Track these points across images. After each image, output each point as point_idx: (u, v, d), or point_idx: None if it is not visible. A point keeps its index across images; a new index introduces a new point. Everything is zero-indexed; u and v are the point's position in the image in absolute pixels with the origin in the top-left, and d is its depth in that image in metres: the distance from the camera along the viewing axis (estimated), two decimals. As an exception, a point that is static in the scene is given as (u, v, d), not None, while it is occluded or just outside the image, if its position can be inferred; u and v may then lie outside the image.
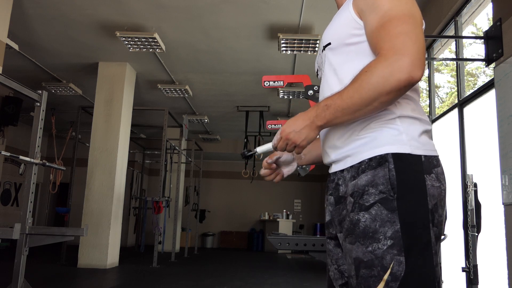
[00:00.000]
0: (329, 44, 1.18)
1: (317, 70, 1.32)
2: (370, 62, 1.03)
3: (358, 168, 1.07)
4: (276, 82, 3.79)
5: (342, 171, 1.14)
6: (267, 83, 3.77)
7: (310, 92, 3.17)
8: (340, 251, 1.17)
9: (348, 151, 1.11)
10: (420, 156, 1.04)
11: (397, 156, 1.03)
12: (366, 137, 1.08)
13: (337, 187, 1.16)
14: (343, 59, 1.15)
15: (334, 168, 1.18)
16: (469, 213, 3.22)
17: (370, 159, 1.05)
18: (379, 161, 1.04)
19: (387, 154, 1.04)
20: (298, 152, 1.12)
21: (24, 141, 10.40)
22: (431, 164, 1.05)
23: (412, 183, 1.02)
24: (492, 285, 3.71)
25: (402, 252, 0.98)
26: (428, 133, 1.11)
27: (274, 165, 1.33)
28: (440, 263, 3.47)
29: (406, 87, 0.99)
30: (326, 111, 1.05)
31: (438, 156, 1.10)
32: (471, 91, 4.23)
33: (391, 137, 1.06)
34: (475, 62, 7.27)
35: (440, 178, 1.07)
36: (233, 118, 10.33)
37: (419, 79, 0.98)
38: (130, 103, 7.44)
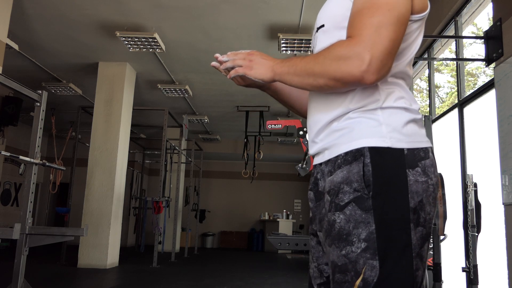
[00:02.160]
0: (323, 26, 1.10)
1: (312, 51, 1.23)
2: (339, 40, 0.98)
3: (335, 163, 1.00)
4: (276, 82, 3.79)
5: (320, 164, 1.08)
6: (267, 83, 3.77)
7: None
8: (321, 249, 1.10)
9: (326, 143, 1.04)
10: (402, 149, 0.95)
11: (374, 150, 0.95)
12: (343, 128, 1.01)
13: (316, 181, 1.10)
14: None
15: (314, 161, 1.12)
16: (469, 213, 3.22)
17: (346, 153, 0.98)
18: (355, 155, 0.96)
19: (364, 147, 0.96)
20: (235, 72, 1.08)
21: (24, 141, 10.40)
22: (417, 156, 0.96)
23: (390, 179, 0.93)
24: (492, 285, 3.71)
25: (376, 255, 0.90)
26: (417, 122, 1.01)
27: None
28: (440, 264, 3.48)
29: (355, 85, 0.95)
30: (287, 63, 1.02)
31: (428, 147, 1.00)
32: (471, 91, 4.23)
33: (369, 128, 0.97)
34: (475, 62, 7.27)
35: (428, 172, 0.96)
36: (233, 118, 10.34)
37: (372, 83, 0.92)
38: (130, 103, 7.44)
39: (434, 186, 0.98)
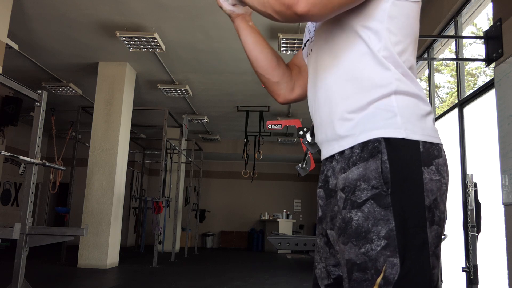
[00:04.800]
0: None
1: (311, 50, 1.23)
2: None
3: (349, 160, 0.97)
4: (276, 82, 3.78)
5: (331, 161, 1.05)
6: (267, 83, 3.77)
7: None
8: (329, 249, 1.07)
9: (337, 135, 1.01)
10: (417, 142, 0.94)
11: (390, 145, 0.93)
12: (354, 118, 0.98)
13: (327, 179, 1.07)
14: None
15: (323, 155, 1.09)
16: (469, 213, 3.22)
17: (362, 150, 0.95)
18: (371, 152, 0.94)
19: (380, 143, 0.93)
20: None
21: (24, 141, 10.40)
22: (431, 155, 0.95)
23: (408, 176, 0.92)
24: (492, 285, 3.71)
25: (397, 253, 0.89)
26: (430, 115, 0.99)
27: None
28: (440, 264, 3.48)
29: (286, 15, 0.95)
30: None
31: (440, 144, 0.98)
32: (471, 91, 4.23)
33: (383, 120, 0.95)
34: (475, 62, 7.27)
35: (441, 171, 0.96)
36: (233, 118, 10.34)
37: (302, 15, 0.92)
38: (130, 103, 7.44)
39: (447, 185, 0.97)
